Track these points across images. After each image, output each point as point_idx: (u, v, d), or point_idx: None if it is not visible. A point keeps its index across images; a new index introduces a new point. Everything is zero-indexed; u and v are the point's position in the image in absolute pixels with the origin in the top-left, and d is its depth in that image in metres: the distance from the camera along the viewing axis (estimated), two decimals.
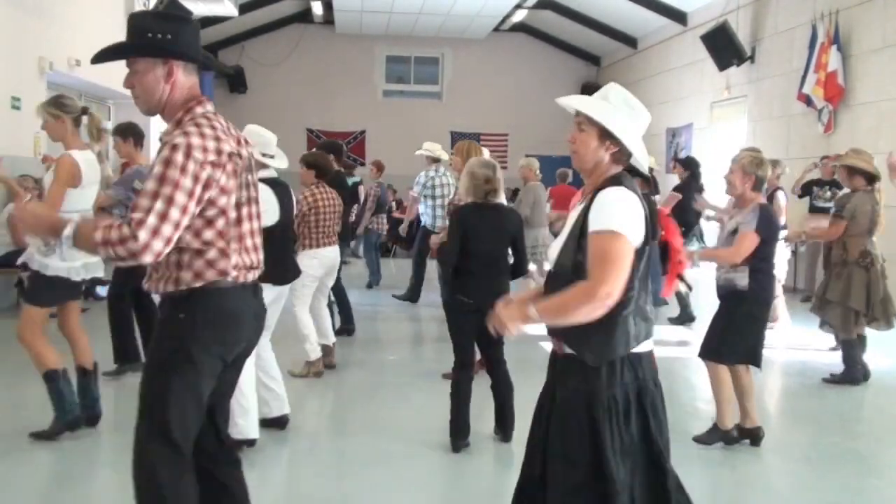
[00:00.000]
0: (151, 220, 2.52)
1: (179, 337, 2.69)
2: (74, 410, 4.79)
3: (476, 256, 4.76)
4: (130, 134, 6.23)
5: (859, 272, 6.42)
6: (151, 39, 2.73)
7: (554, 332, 2.65)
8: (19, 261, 4.83)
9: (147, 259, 2.53)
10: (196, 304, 2.69)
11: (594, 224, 2.53)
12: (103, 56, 2.84)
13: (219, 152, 2.64)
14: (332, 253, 6.43)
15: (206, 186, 2.60)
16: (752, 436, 5.02)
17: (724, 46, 12.92)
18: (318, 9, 17.89)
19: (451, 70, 20.58)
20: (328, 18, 18.66)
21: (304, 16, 18.93)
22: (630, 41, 17.74)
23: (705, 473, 4.62)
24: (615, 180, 2.60)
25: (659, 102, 16.50)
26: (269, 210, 4.76)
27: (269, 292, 4.92)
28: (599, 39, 18.50)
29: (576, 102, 2.69)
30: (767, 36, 12.67)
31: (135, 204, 2.57)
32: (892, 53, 9.82)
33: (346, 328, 7.97)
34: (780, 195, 8.36)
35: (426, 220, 9.36)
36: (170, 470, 2.69)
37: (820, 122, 11.08)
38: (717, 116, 14.32)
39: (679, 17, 15.16)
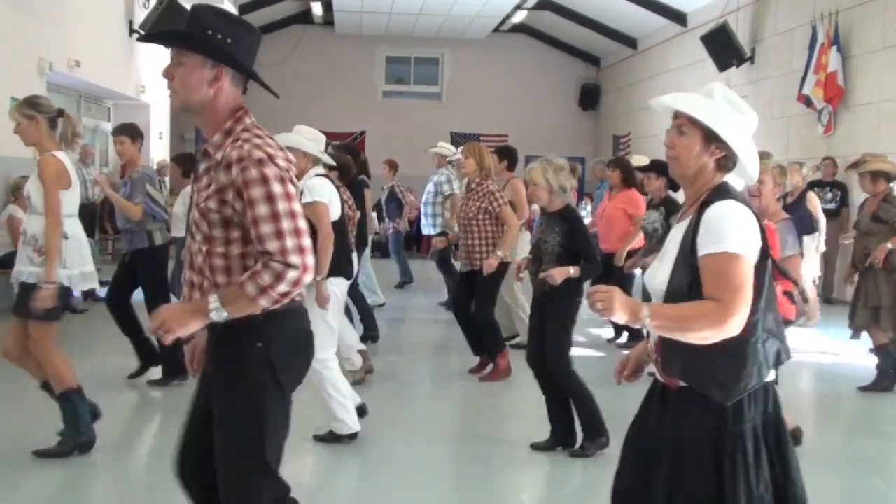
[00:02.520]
0: (291, 241, 2.39)
1: (262, 367, 2.49)
2: (89, 433, 4.53)
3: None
4: (138, 135, 6.11)
5: None
6: (211, 37, 2.51)
7: (667, 367, 2.34)
8: (12, 279, 4.46)
9: (309, 280, 2.44)
10: (274, 328, 2.50)
11: (708, 245, 2.23)
12: (155, 37, 2.66)
13: (288, 161, 2.54)
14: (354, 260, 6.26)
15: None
16: (793, 437, 4.88)
17: (723, 47, 12.91)
18: (318, 9, 17.89)
19: (450, 71, 20.58)
20: (328, 19, 18.66)
21: (305, 16, 18.93)
22: (630, 42, 17.73)
23: None
24: (723, 192, 2.31)
25: None
26: (333, 204, 4.93)
27: (342, 286, 5.15)
28: (599, 40, 18.50)
29: (677, 102, 2.37)
30: (767, 37, 12.67)
31: (257, 236, 2.41)
32: (892, 54, 9.82)
33: (370, 334, 7.86)
34: (811, 194, 8.37)
35: (438, 221, 9.32)
36: (276, 498, 2.58)
37: (820, 123, 11.08)
38: None
39: (679, 17, 15.16)
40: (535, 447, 4.84)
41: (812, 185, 10.05)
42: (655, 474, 2.33)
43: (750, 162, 2.36)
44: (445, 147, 9.69)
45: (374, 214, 11.39)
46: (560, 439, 4.80)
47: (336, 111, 19.69)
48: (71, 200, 4.53)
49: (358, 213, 7.67)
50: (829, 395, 6.68)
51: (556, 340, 4.76)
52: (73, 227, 4.54)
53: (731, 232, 2.24)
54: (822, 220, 8.30)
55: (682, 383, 2.30)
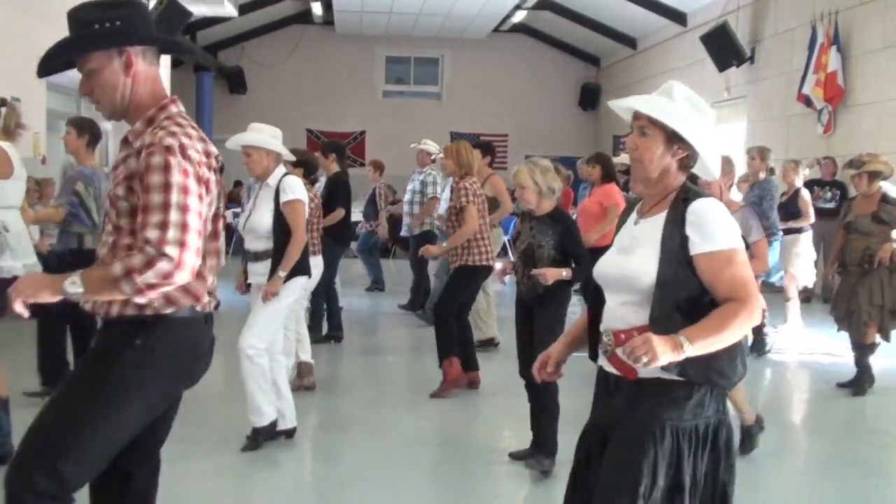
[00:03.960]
0: (173, 233, 2.23)
1: (131, 364, 2.36)
2: (7, 446, 4.14)
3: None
4: (87, 130, 5.56)
5: None
6: (99, 30, 2.39)
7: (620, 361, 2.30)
8: None
9: (184, 278, 2.26)
10: (157, 332, 2.37)
11: (707, 244, 2.28)
12: (49, 63, 2.48)
13: (207, 155, 2.41)
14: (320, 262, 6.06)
15: (207, 190, 2.38)
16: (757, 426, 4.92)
17: (723, 47, 12.91)
18: (318, 9, 17.88)
19: (450, 70, 20.58)
20: (328, 19, 18.65)
21: (304, 16, 18.92)
22: (629, 42, 17.73)
23: None
24: (695, 190, 2.38)
25: None
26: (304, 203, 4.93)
27: (306, 284, 5.14)
28: (599, 40, 18.50)
29: (639, 104, 2.37)
30: (767, 36, 12.67)
31: (142, 222, 2.26)
32: (892, 53, 9.82)
33: (334, 335, 7.85)
34: (804, 192, 8.38)
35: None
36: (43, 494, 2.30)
37: (819, 123, 11.08)
38: (717, 117, 14.28)
39: (679, 17, 15.16)
40: (514, 457, 4.70)
41: (811, 184, 10.07)
42: (598, 462, 2.37)
43: (711, 160, 2.39)
44: (430, 144, 9.45)
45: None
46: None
47: (336, 111, 19.69)
48: (13, 192, 4.46)
49: (342, 212, 7.65)
50: (826, 394, 6.67)
51: (546, 346, 4.68)
52: (12, 217, 4.47)
53: (724, 228, 2.30)
54: (811, 220, 8.34)
55: (641, 375, 2.28)
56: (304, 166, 6.13)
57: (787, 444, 5.33)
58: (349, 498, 4.31)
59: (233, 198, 15.35)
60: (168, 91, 2.65)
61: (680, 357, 2.19)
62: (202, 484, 4.30)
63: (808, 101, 11.16)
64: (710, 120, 2.42)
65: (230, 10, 13.58)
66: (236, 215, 10.77)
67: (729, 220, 2.32)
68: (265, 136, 4.87)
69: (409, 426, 5.51)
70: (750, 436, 4.89)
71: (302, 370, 6.03)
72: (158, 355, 2.38)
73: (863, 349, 6.53)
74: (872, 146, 9.29)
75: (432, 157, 9.19)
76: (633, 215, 2.51)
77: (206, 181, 2.38)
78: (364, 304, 10.45)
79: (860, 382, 6.48)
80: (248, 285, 5.01)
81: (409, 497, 4.29)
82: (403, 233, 9.50)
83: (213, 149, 2.48)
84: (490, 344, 7.52)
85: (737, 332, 2.26)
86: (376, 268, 11.45)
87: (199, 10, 12.92)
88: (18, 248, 4.52)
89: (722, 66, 13.09)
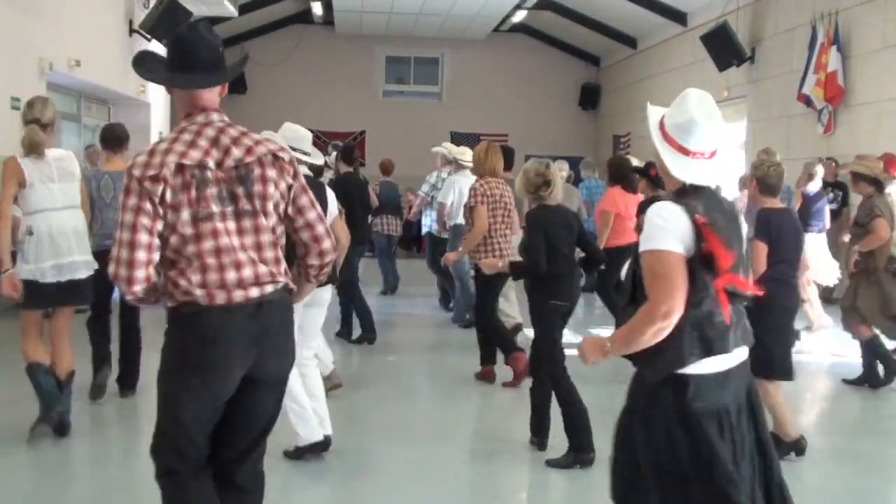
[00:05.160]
0: (114, 250, 2.61)
1: (170, 345, 2.73)
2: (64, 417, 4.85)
3: (560, 257, 4.68)
4: (101, 138, 6.12)
5: (888, 278, 6.28)
6: (153, 79, 2.96)
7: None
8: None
9: (127, 289, 2.61)
10: (174, 324, 2.70)
11: (642, 244, 2.53)
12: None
13: (162, 165, 2.58)
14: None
15: (152, 201, 2.57)
16: (797, 447, 4.77)
17: (723, 47, 12.91)
18: (318, 9, 17.88)
19: (450, 70, 20.58)
20: (328, 19, 18.65)
21: (304, 16, 18.92)
22: (630, 41, 17.73)
23: None
24: (669, 195, 2.64)
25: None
26: None
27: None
28: (599, 40, 18.49)
29: (650, 115, 2.80)
30: (767, 36, 12.67)
31: None
32: (892, 53, 9.82)
33: (367, 336, 7.87)
34: (796, 192, 8.53)
35: (433, 225, 9.21)
36: (162, 478, 2.77)
37: (820, 123, 11.08)
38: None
39: (679, 17, 15.15)
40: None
41: None
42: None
43: (668, 163, 2.63)
44: (446, 147, 9.45)
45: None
46: (574, 447, 4.62)
47: (336, 111, 19.68)
48: (35, 198, 4.73)
49: (368, 214, 7.77)
50: (829, 393, 6.67)
51: (536, 346, 4.79)
52: (41, 221, 4.79)
53: (650, 230, 2.51)
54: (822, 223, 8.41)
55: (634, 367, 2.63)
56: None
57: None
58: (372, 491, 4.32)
59: None
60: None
61: (606, 358, 2.57)
62: None
63: (808, 101, 11.16)
64: (682, 121, 2.62)
65: (230, 10, 13.59)
66: None
67: (656, 223, 2.49)
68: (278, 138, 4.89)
69: (433, 422, 5.69)
70: (784, 452, 4.59)
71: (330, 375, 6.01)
72: (176, 345, 2.70)
73: (865, 347, 6.50)
74: (872, 146, 9.29)
75: (451, 158, 9.21)
76: None
77: (150, 194, 2.58)
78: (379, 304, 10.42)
79: (880, 375, 6.39)
80: None
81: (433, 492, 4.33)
82: (434, 231, 9.42)
83: (195, 158, 2.63)
84: (519, 330, 7.48)
85: (638, 333, 2.46)
86: (387, 269, 11.21)
87: (199, 10, 12.93)
88: (44, 251, 4.74)
89: (722, 66, 13.08)
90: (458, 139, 16.17)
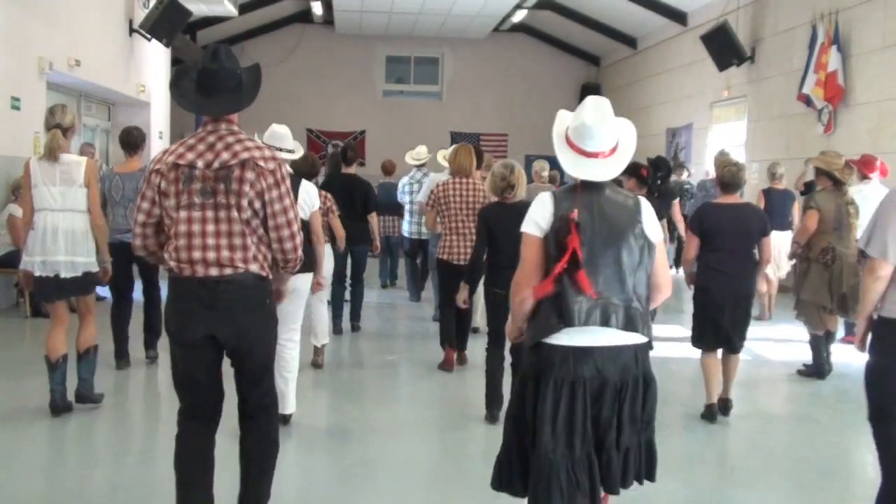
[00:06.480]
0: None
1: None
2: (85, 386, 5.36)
3: (502, 252, 5.09)
4: (119, 141, 6.68)
5: (817, 268, 6.55)
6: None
7: None
8: None
9: (134, 246, 3.40)
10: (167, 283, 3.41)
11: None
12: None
13: (163, 163, 3.26)
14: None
15: (153, 189, 3.26)
16: (724, 406, 5.55)
17: (723, 46, 12.91)
18: (318, 9, 17.88)
19: (450, 70, 20.58)
20: (328, 18, 18.66)
21: (304, 16, 18.93)
22: (630, 41, 17.74)
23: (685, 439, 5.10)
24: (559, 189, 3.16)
25: (658, 102, 16.51)
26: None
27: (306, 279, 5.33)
28: (599, 39, 18.50)
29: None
30: (767, 36, 12.67)
31: None
32: (892, 53, 9.82)
33: (353, 325, 8.22)
34: (760, 193, 8.81)
35: (413, 228, 9.36)
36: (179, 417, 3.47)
37: (820, 123, 11.08)
38: (717, 117, 14.32)
39: (679, 17, 15.16)
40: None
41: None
42: None
43: (562, 159, 2.95)
44: (414, 157, 9.97)
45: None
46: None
47: (336, 110, 19.69)
48: (40, 198, 5.08)
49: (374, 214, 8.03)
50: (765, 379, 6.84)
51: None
52: (46, 218, 5.13)
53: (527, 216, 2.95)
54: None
55: None
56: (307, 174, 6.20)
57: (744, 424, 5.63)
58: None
59: None
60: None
61: (516, 330, 3.07)
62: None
63: (808, 101, 11.16)
64: (562, 126, 3.03)
65: (230, 10, 13.59)
66: None
67: (533, 211, 2.92)
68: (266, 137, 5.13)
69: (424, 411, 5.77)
70: (711, 413, 5.48)
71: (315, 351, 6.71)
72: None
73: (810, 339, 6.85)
74: (872, 146, 9.30)
75: (419, 163, 9.75)
76: None
77: (152, 183, 3.27)
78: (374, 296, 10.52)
79: (814, 371, 6.79)
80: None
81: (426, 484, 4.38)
82: (414, 234, 9.56)
83: (188, 159, 3.23)
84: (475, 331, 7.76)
85: (513, 302, 2.98)
86: (387, 267, 11.54)
87: (199, 10, 12.94)
88: (37, 246, 5.07)
89: (722, 65, 13.09)
90: (458, 139, 16.20)
